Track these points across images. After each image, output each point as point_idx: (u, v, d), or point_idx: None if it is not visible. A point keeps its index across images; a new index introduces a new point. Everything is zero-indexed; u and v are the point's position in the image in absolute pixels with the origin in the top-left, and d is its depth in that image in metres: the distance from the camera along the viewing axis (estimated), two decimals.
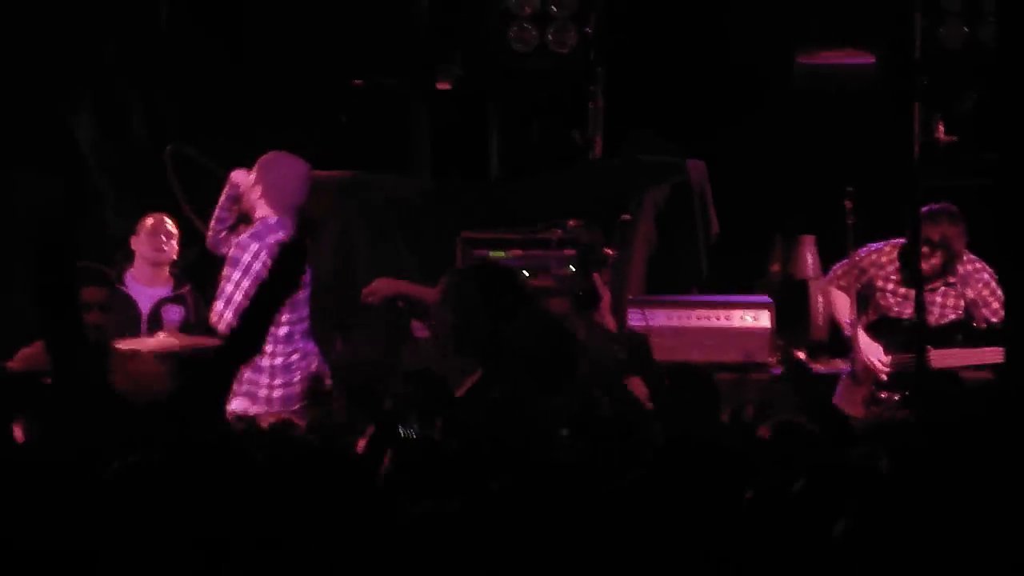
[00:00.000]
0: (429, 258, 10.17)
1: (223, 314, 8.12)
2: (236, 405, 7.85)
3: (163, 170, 9.03)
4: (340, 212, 10.53)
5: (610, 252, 9.84)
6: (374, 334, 9.83)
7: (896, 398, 9.10)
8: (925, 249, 8.92)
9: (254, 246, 8.20)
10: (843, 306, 9.35)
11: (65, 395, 5.54)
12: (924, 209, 8.66)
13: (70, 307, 5.53)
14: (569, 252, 9.89)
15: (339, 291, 9.91)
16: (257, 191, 8.38)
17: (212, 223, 8.57)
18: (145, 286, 9.25)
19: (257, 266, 8.09)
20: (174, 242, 9.37)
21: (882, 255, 9.34)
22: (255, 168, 8.46)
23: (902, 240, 9.14)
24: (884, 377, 9.17)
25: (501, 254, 9.90)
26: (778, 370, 10.13)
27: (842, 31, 11.60)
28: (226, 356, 5.65)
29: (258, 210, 8.39)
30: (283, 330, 8.23)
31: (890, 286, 9.32)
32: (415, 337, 9.44)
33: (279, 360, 8.27)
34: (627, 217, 10.51)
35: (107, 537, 4.50)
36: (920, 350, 8.07)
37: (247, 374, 8.10)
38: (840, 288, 9.40)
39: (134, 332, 8.78)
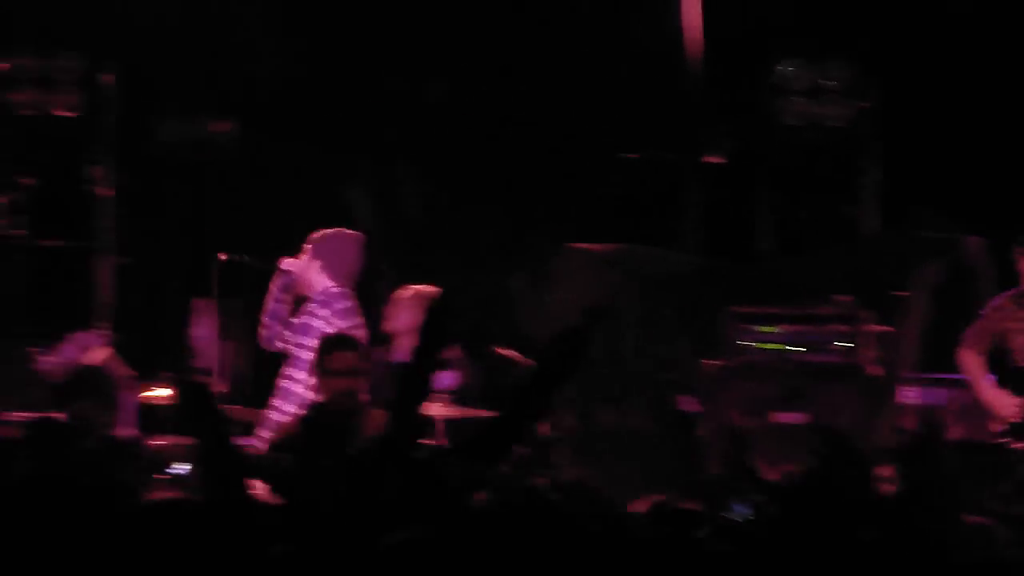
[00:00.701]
0: (699, 332, 10.08)
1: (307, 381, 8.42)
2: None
3: (436, 245, 9.21)
4: (608, 284, 10.51)
5: (882, 328, 9.65)
6: (644, 405, 9.78)
7: None
8: None
9: (324, 312, 8.62)
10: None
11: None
12: None
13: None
14: (841, 328, 9.72)
15: (607, 364, 9.88)
16: (315, 267, 8.70)
17: (265, 320, 8.80)
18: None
19: (330, 332, 8.43)
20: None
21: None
22: (310, 247, 8.64)
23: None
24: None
25: (772, 329, 9.77)
26: None
27: None
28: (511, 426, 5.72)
29: (317, 284, 8.72)
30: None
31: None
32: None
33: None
34: (902, 293, 10.30)
35: None
36: None
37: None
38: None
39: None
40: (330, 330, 8.47)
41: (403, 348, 9.31)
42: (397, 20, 11.37)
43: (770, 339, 9.86)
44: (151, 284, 11.88)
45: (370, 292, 11.35)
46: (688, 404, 9.52)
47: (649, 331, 10.34)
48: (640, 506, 5.56)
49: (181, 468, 8.64)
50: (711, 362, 9.83)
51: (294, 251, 9.68)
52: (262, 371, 10.89)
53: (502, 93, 11.31)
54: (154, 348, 11.72)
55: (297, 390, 8.48)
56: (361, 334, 8.61)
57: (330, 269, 8.78)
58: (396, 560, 4.56)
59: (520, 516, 5.26)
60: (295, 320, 8.71)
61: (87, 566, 4.77)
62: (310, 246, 8.81)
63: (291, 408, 8.45)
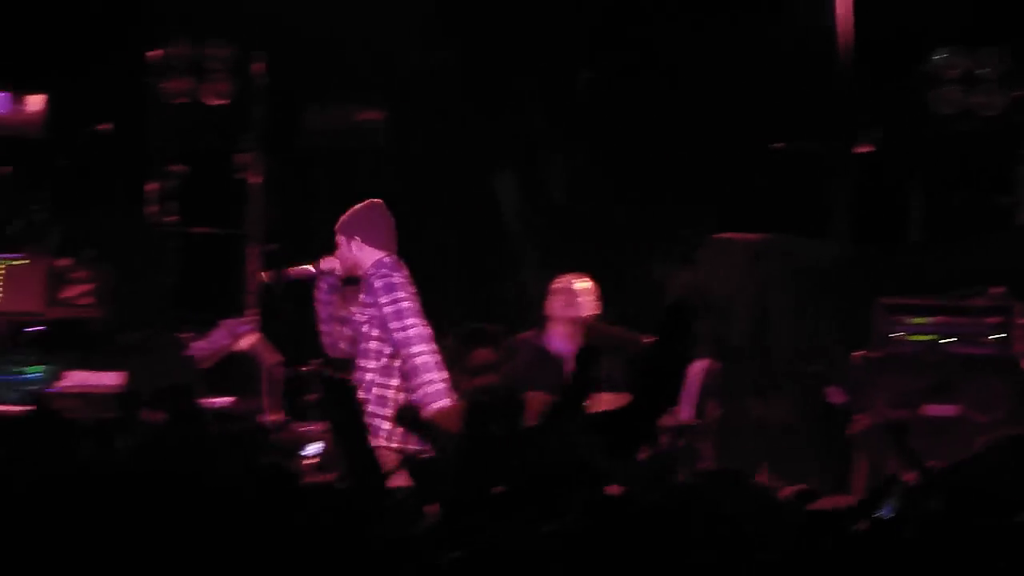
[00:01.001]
0: (848, 323, 9.97)
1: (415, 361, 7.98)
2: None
3: (582, 233, 9.17)
4: (756, 275, 10.43)
5: None
6: (791, 397, 9.69)
7: None
8: None
9: (384, 291, 8.05)
10: None
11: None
12: None
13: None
14: (994, 320, 9.56)
15: (754, 354, 9.80)
16: (355, 245, 8.26)
17: (323, 330, 8.43)
18: (565, 344, 9.32)
19: (406, 304, 8.01)
20: (588, 300, 9.45)
21: None
22: (340, 231, 8.34)
23: None
24: None
25: (923, 320, 9.64)
26: None
27: None
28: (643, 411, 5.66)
29: (366, 259, 8.23)
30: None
31: None
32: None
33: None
34: None
35: None
36: None
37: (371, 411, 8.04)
38: None
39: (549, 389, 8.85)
40: (407, 303, 8.07)
41: (556, 335, 9.30)
42: (546, 8, 11.37)
43: (921, 330, 9.73)
44: None
45: (515, 279, 11.41)
46: (836, 396, 9.41)
47: (797, 322, 10.24)
48: (788, 494, 5.51)
49: (312, 449, 8.62)
50: (860, 353, 9.73)
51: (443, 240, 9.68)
52: None
53: (650, 82, 11.26)
54: (301, 335, 11.84)
55: (389, 394, 8.09)
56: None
57: (371, 239, 8.29)
58: (547, 551, 4.54)
59: (666, 507, 5.23)
60: (363, 312, 8.19)
61: (240, 550, 4.81)
62: (340, 232, 8.40)
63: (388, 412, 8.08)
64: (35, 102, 11.27)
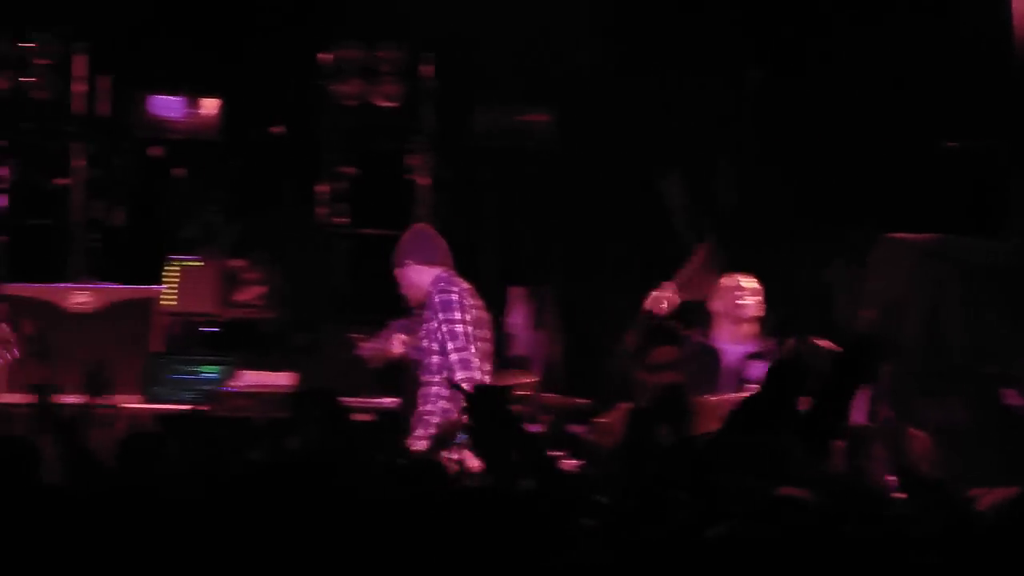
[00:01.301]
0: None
1: (472, 377, 8.11)
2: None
3: (750, 234, 9.10)
4: (928, 276, 10.27)
5: None
6: (966, 400, 9.53)
7: None
8: None
9: (441, 307, 8.24)
10: None
11: None
12: None
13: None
14: None
15: (927, 356, 9.65)
16: (412, 270, 8.52)
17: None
18: (729, 343, 9.27)
19: (459, 327, 8.18)
20: (754, 299, 9.39)
21: None
22: (395, 265, 8.59)
23: None
24: None
25: None
26: None
27: None
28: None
29: (425, 280, 8.46)
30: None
31: None
32: None
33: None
34: None
35: None
36: None
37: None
38: None
39: (712, 388, 8.84)
40: (468, 316, 8.27)
41: (721, 334, 9.25)
42: (715, 7, 11.31)
43: None
44: (469, 271, 12.03)
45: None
46: (1014, 399, 9.23)
47: (972, 323, 10.06)
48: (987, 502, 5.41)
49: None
50: None
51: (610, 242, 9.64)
52: (574, 359, 10.97)
53: (820, 81, 11.14)
54: None
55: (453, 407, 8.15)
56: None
57: (425, 258, 8.57)
58: (717, 555, 4.51)
59: (842, 510, 5.17)
60: (424, 328, 8.45)
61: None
62: (396, 265, 8.61)
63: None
64: (209, 106, 11.46)
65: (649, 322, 8.20)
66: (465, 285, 8.46)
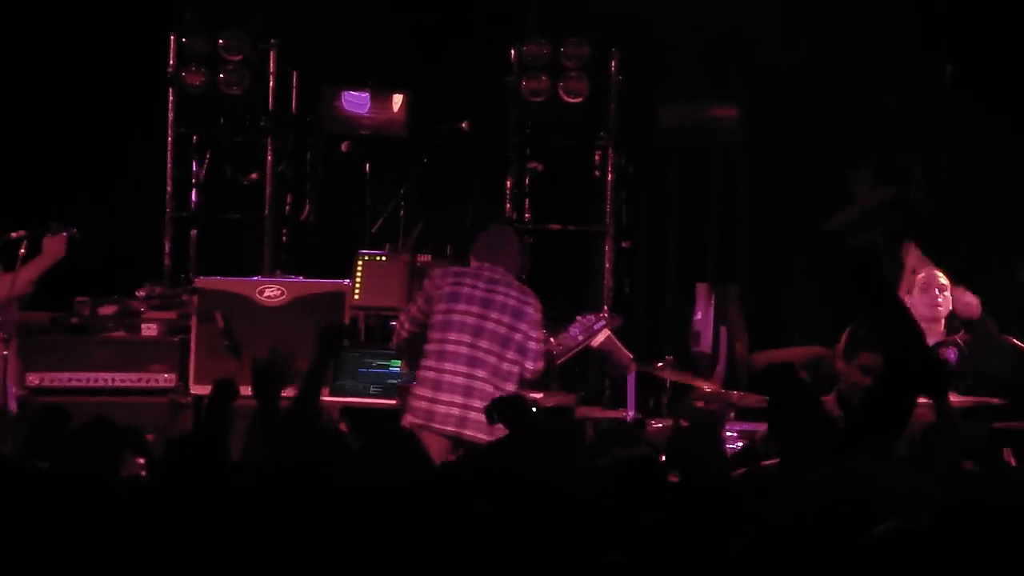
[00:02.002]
0: None
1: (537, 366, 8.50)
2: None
3: (944, 232, 8.95)
4: None
5: None
6: None
7: None
8: None
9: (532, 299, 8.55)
10: None
11: None
12: None
13: None
14: None
15: None
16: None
17: None
18: None
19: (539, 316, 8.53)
20: (947, 294, 9.29)
21: None
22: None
23: None
24: None
25: None
26: None
27: None
28: None
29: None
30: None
31: None
32: None
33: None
34: None
35: None
36: None
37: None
38: None
39: None
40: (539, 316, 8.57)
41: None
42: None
43: None
44: (653, 268, 12.03)
45: None
46: None
47: None
48: None
49: None
50: None
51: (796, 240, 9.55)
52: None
53: (1015, 77, 10.92)
54: (654, 332, 11.88)
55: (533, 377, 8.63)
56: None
57: (472, 255, 8.75)
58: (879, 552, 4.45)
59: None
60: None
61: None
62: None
63: None
64: (397, 101, 11.56)
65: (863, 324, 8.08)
66: (457, 269, 8.68)
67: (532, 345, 8.51)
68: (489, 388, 8.31)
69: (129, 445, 6.25)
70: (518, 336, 8.47)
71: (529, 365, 8.50)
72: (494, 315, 8.48)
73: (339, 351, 7.89)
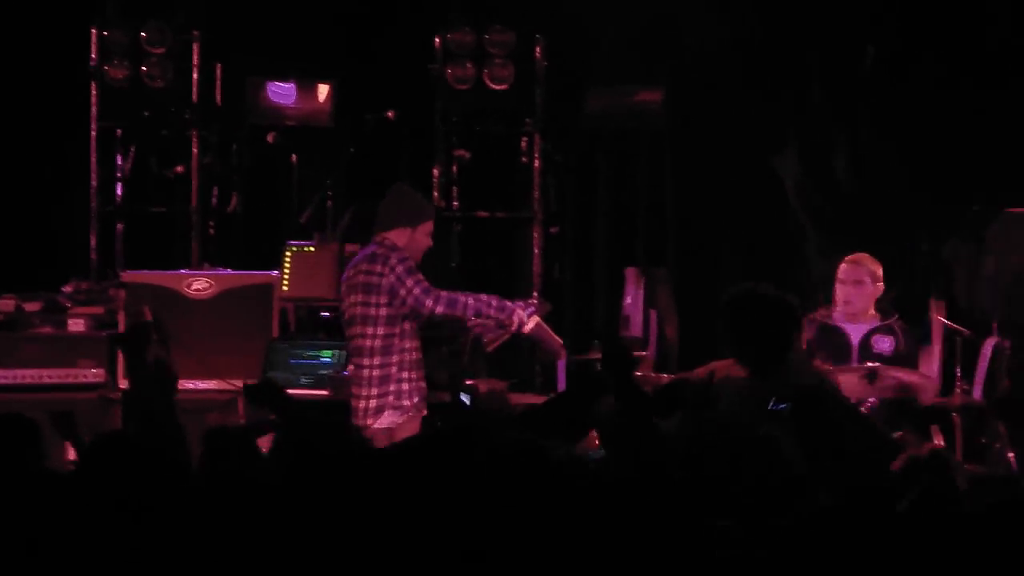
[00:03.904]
0: None
1: None
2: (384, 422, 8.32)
3: (868, 212, 8.97)
4: None
5: None
6: None
7: None
8: None
9: None
10: None
11: None
12: None
13: None
14: None
15: None
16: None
17: None
18: (849, 322, 9.18)
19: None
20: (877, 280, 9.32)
21: None
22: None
23: None
24: None
25: None
26: None
27: None
28: None
29: None
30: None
31: None
32: None
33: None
34: None
35: None
36: None
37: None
38: None
39: (845, 362, 8.80)
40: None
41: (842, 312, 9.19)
42: None
43: None
44: (582, 253, 12.05)
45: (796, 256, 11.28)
46: None
47: None
48: None
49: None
50: None
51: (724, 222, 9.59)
52: (688, 340, 10.93)
53: (935, 57, 11.00)
54: (584, 317, 11.90)
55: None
56: None
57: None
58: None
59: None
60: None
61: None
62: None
63: None
64: (321, 91, 11.52)
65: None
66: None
67: (402, 292, 8.39)
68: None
69: (58, 429, 6.23)
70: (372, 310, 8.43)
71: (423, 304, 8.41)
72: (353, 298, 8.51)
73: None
